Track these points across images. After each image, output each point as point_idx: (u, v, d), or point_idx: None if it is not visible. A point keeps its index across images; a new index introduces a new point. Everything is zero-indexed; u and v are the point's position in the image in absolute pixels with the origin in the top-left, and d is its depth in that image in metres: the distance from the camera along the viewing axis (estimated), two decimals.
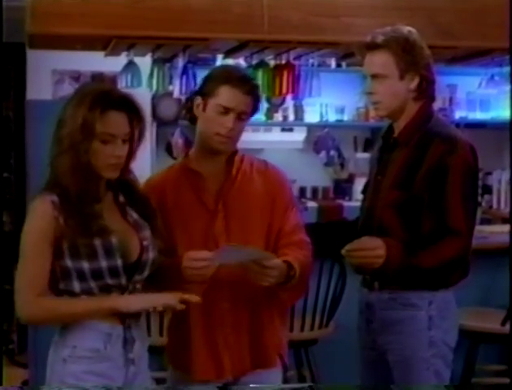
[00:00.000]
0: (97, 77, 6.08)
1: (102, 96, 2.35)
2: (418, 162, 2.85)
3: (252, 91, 2.69)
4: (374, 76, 2.90)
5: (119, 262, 2.37)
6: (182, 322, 2.74)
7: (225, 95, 2.66)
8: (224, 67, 2.82)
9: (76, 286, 2.36)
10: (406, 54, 2.85)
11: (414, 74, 2.86)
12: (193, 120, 2.77)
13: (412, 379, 2.88)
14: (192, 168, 2.76)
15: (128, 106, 2.38)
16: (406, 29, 2.91)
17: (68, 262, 2.34)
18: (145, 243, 2.45)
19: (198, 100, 2.72)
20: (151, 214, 2.53)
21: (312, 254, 2.80)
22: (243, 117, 2.70)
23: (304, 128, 6.96)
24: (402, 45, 2.85)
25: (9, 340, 6.09)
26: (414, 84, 2.87)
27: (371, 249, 2.76)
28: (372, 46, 2.88)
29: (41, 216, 2.33)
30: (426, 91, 2.91)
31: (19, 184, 6.22)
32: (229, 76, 2.67)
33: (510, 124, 4.98)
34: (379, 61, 2.87)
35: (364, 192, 3.11)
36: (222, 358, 2.72)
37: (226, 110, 2.66)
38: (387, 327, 2.92)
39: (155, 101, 6.25)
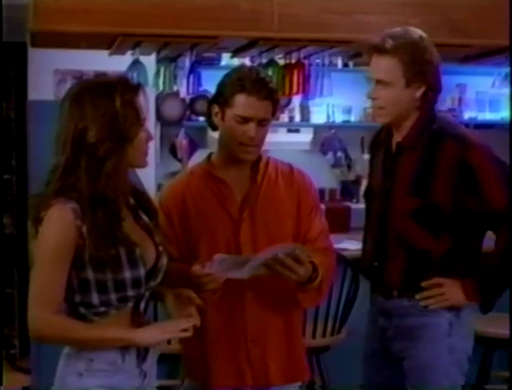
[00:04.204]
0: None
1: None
2: (430, 164, 2.78)
3: (269, 96, 2.57)
4: (378, 81, 2.81)
5: (142, 271, 2.24)
6: (202, 332, 2.61)
7: (242, 105, 2.54)
8: (237, 72, 2.60)
9: (95, 298, 2.21)
10: (415, 64, 2.75)
11: (420, 83, 2.78)
12: (213, 127, 2.67)
13: (427, 386, 2.83)
14: (215, 175, 2.66)
15: None
16: (418, 34, 2.81)
17: (89, 274, 2.19)
18: (160, 248, 2.34)
19: (216, 109, 2.62)
20: (156, 215, 2.42)
21: (336, 262, 2.75)
22: (264, 123, 2.59)
23: (310, 129, 6.90)
24: (412, 53, 2.76)
25: (10, 344, 5.99)
26: (419, 92, 2.79)
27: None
28: (380, 50, 2.79)
29: (62, 225, 2.14)
30: (431, 100, 2.83)
31: (20, 186, 6.18)
32: (243, 83, 2.54)
33: (510, 124, 4.95)
34: (386, 67, 2.78)
35: (367, 198, 3.02)
36: (243, 372, 2.65)
37: (245, 120, 2.55)
38: (405, 333, 2.87)
39: (159, 101, 6.16)
